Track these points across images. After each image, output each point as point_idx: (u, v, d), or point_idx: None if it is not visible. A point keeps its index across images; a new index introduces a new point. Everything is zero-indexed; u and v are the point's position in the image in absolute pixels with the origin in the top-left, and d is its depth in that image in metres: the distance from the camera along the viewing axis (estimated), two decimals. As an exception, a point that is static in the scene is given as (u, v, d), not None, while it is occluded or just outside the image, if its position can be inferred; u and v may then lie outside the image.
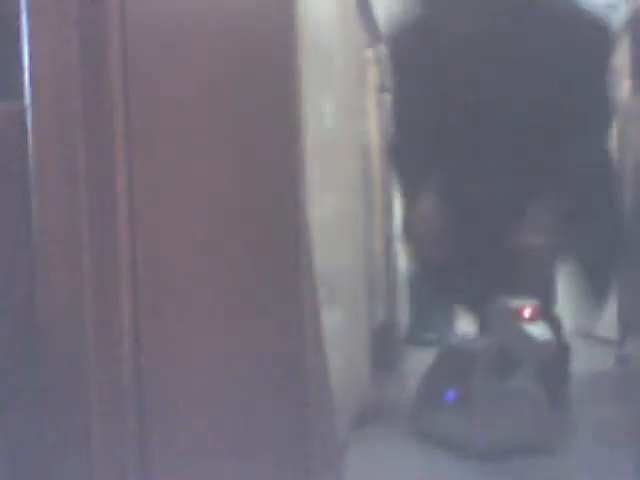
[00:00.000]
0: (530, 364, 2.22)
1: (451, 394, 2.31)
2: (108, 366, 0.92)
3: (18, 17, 0.94)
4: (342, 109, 2.39)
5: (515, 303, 2.20)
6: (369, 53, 3.16)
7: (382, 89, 3.52)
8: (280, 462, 1.33)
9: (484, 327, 2.45)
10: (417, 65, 2.79)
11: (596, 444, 2.28)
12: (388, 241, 3.62)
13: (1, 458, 0.94)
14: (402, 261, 4.11)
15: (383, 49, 3.51)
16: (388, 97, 3.60)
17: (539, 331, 2.13)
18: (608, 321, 3.74)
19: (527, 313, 2.16)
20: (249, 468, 1.21)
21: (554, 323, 2.57)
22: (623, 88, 3.55)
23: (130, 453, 0.92)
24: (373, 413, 2.63)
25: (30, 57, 0.93)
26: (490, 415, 2.22)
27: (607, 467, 2.06)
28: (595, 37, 2.93)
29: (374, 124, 3.37)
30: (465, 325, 3.42)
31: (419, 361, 3.36)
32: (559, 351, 2.51)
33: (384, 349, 3.35)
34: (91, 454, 0.91)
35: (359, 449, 2.26)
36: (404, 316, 4.21)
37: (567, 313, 3.43)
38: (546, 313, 2.65)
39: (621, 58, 3.57)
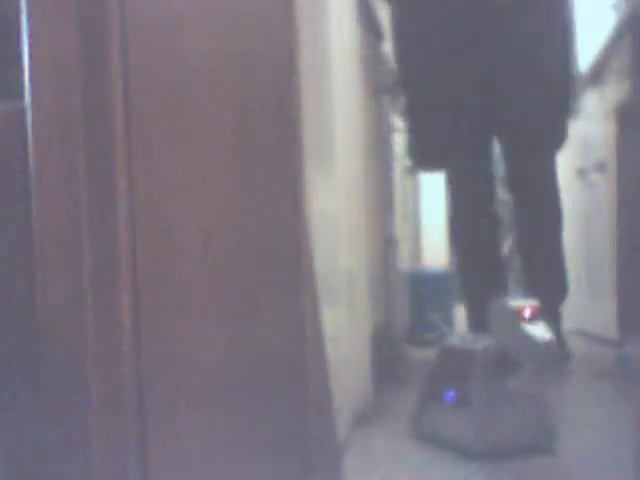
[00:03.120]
0: (530, 364, 2.22)
1: (450, 394, 2.30)
2: (108, 366, 0.92)
3: (18, 17, 0.94)
4: (342, 109, 2.39)
5: (515, 303, 2.20)
6: (369, 53, 3.16)
7: (382, 89, 3.52)
8: (280, 462, 1.33)
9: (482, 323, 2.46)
10: None
11: (596, 444, 2.28)
12: (388, 241, 3.62)
13: (1, 458, 0.94)
14: (402, 261, 4.11)
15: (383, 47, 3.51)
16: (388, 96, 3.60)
17: (539, 331, 2.13)
18: (608, 321, 3.74)
19: (527, 313, 2.15)
20: (249, 468, 1.21)
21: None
22: (623, 88, 3.55)
23: (130, 453, 0.92)
24: (373, 413, 2.63)
25: (30, 57, 0.93)
26: (490, 415, 2.22)
27: (607, 467, 2.06)
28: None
29: (374, 124, 3.37)
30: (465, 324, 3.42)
31: (419, 361, 3.36)
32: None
33: (384, 349, 3.35)
34: (91, 454, 0.91)
35: (359, 449, 2.26)
36: (404, 316, 4.21)
37: (567, 313, 3.43)
38: None
39: (621, 58, 3.57)
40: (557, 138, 3.10)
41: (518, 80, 2.90)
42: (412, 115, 3.08)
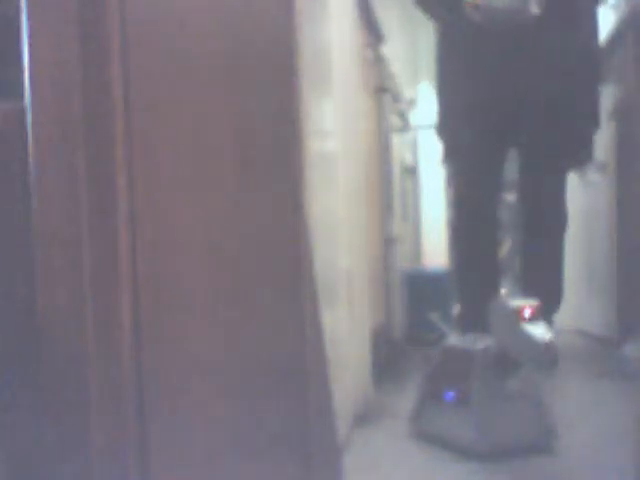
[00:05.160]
0: (529, 364, 2.22)
1: (451, 394, 2.31)
2: (108, 366, 0.92)
3: (18, 17, 0.94)
4: (342, 109, 2.39)
5: (515, 303, 2.20)
6: (369, 53, 3.16)
7: (382, 89, 3.52)
8: (280, 462, 1.33)
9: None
10: None
11: (596, 444, 2.28)
12: (388, 241, 3.62)
13: (1, 458, 0.94)
14: (402, 261, 4.11)
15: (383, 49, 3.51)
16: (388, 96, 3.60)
17: (539, 331, 2.13)
18: (608, 321, 3.74)
19: (527, 313, 2.15)
20: (249, 468, 1.21)
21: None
22: (623, 88, 3.55)
23: (130, 453, 0.92)
24: (373, 413, 2.63)
25: (30, 57, 0.93)
26: (490, 415, 2.22)
27: (607, 467, 2.06)
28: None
29: (374, 124, 3.37)
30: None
31: (419, 361, 3.37)
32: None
33: (384, 349, 3.36)
34: (91, 454, 0.91)
35: (359, 449, 2.26)
36: (404, 316, 4.21)
37: (566, 313, 3.43)
38: None
39: (621, 58, 3.57)
40: (585, 154, 3.13)
41: (548, 95, 2.92)
42: (442, 113, 3.12)
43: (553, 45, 2.90)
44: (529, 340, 2.12)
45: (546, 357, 2.13)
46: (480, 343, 2.29)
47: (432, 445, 2.31)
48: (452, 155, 3.15)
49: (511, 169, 3.23)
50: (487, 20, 2.81)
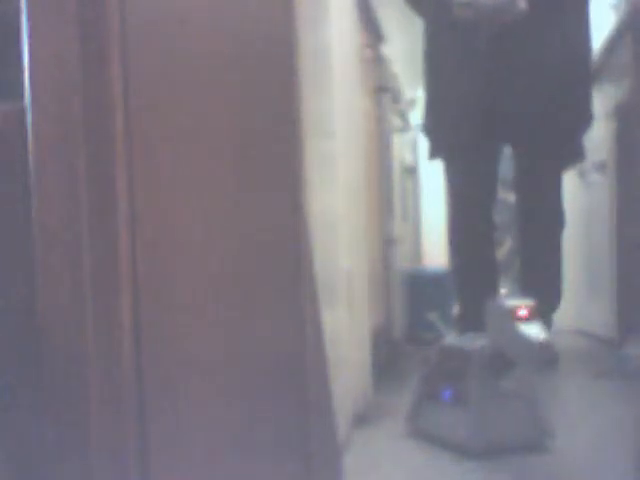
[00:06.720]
0: (525, 364, 2.23)
1: (447, 393, 2.31)
2: (108, 366, 0.92)
3: (18, 17, 0.94)
4: (342, 109, 2.39)
5: (510, 303, 2.20)
6: (369, 53, 3.16)
7: (382, 89, 3.52)
8: (280, 462, 1.33)
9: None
10: None
11: (595, 444, 2.28)
12: (388, 241, 3.62)
13: (1, 458, 0.94)
14: (402, 261, 4.11)
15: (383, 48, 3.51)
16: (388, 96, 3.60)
17: (534, 331, 2.13)
18: (608, 321, 3.74)
19: (522, 313, 2.15)
20: (249, 468, 1.21)
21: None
22: (623, 88, 3.55)
23: (130, 453, 0.92)
24: (373, 413, 2.63)
25: (30, 57, 0.93)
26: (486, 415, 2.22)
27: (607, 467, 2.06)
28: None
29: (374, 124, 3.37)
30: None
31: (419, 361, 3.37)
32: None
33: (384, 349, 3.36)
34: (91, 454, 0.91)
35: (359, 449, 2.26)
36: (404, 316, 4.22)
37: (566, 313, 3.44)
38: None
39: (621, 58, 3.57)
40: (578, 153, 3.12)
41: (540, 92, 2.91)
42: (428, 109, 3.10)
43: (542, 41, 2.89)
44: (523, 340, 2.12)
45: (541, 357, 2.13)
46: (476, 343, 2.29)
47: (432, 445, 2.31)
48: (438, 152, 3.14)
49: (511, 169, 3.23)
50: (477, 17, 2.81)
